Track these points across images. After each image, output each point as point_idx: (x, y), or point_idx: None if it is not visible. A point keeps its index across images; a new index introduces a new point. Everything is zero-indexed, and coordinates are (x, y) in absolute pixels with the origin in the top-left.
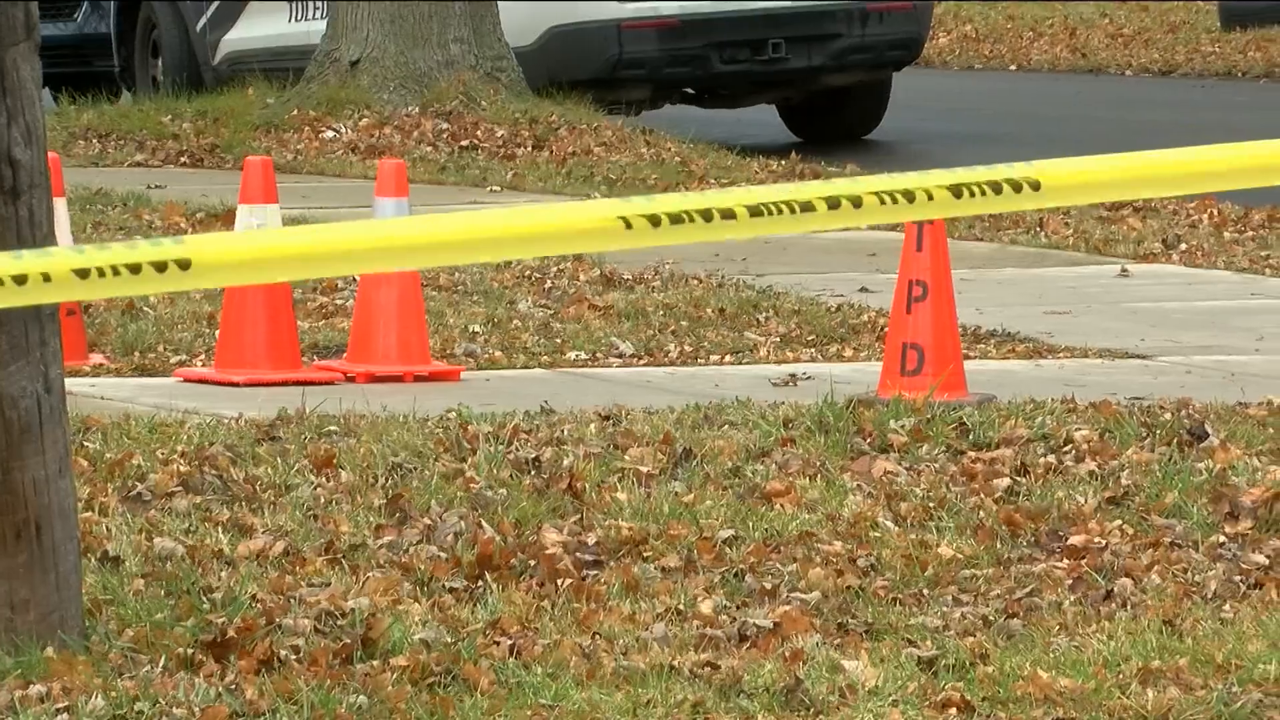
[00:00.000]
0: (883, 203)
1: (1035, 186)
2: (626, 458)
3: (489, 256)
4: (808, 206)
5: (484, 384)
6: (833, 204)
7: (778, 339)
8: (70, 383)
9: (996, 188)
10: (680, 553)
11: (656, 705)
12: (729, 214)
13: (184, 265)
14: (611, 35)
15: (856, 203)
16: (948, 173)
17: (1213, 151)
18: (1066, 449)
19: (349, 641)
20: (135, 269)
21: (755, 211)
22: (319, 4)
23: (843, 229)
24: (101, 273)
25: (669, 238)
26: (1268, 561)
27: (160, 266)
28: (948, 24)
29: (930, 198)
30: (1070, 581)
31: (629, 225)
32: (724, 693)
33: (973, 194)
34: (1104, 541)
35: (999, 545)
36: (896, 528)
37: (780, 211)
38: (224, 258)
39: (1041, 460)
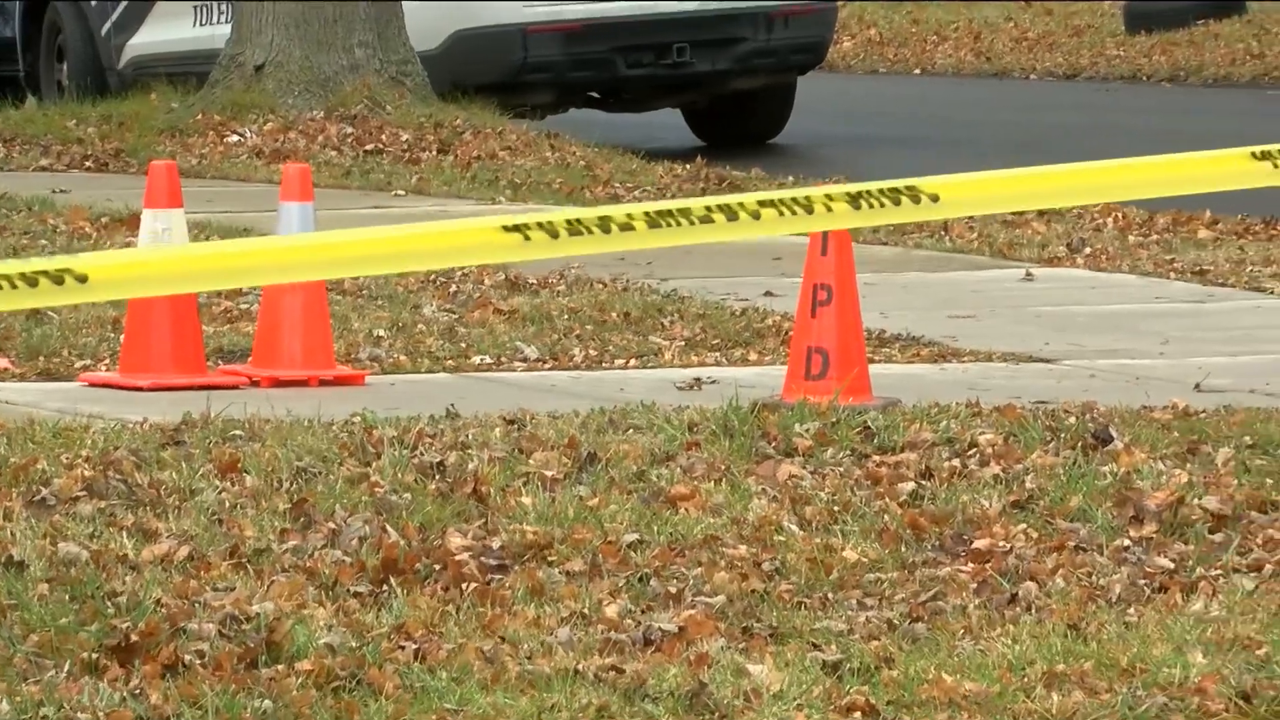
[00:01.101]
0: (781, 214)
1: (934, 198)
2: (531, 462)
3: (386, 270)
4: (706, 218)
5: (389, 388)
6: (731, 216)
7: (683, 343)
8: None
9: (895, 199)
10: (585, 557)
11: (561, 709)
12: (627, 226)
13: (81, 279)
14: (516, 39)
15: (755, 215)
16: (848, 186)
17: (1108, 165)
18: (971, 453)
19: (253, 646)
20: (32, 282)
21: (654, 223)
22: (224, 8)
23: None
24: None
25: (567, 249)
26: (1172, 565)
27: (58, 279)
28: (852, 28)
29: (829, 209)
30: (975, 585)
31: (527, 238)
32: (629, 697)
33: (871, 205)
34: (1009, 545)
35: (904, 549)
36: (801, 531)
37: (679, 223)
38: (119, 273)
39: (946, 464)
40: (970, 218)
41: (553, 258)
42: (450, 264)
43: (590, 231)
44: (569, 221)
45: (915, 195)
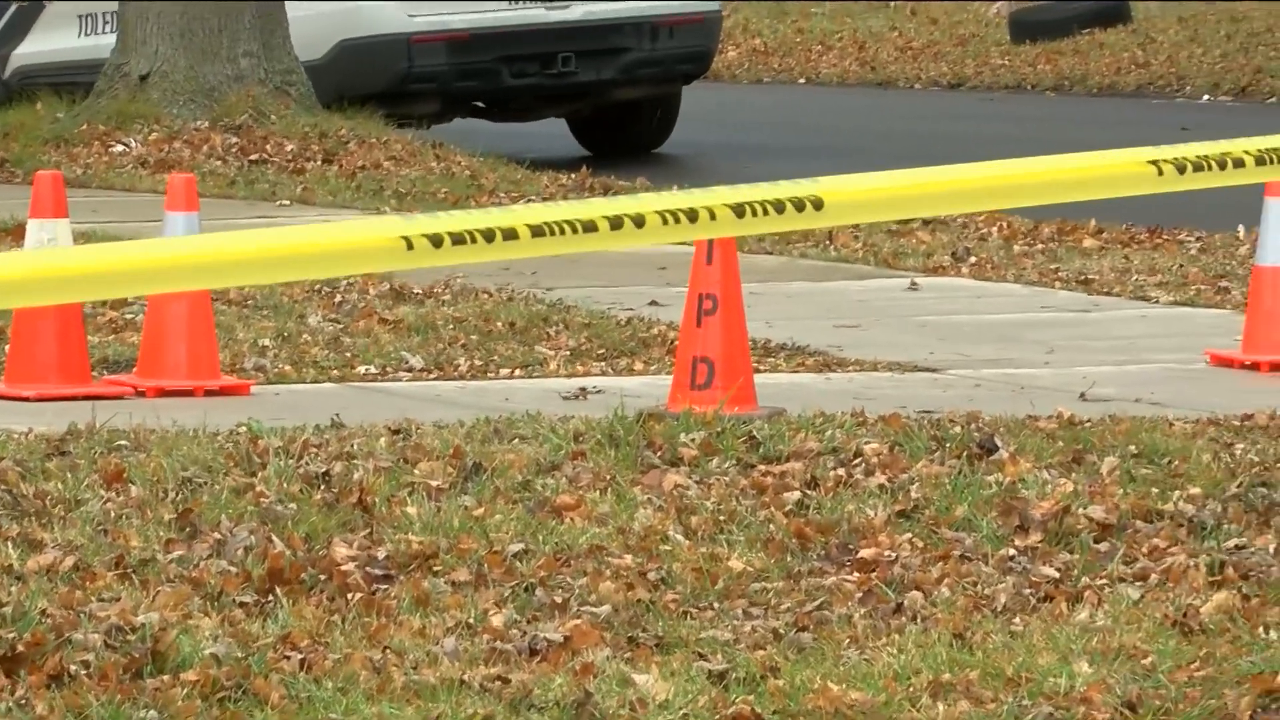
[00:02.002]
0: (665, 222)
1: (818, 205)
2: (416, 472)
3: (272, 278)
4: (590, 226)
5: (274, 398)
6: (615, 224)
7: (568, 353)
8: None
9: (779, 207)
10: (470, 566)
11: (446, 719)
12: (511, 234)
13: None
14: (401, 49)
15: (639, 222)
16: (731, 190)
17: (995, 167)
18: (856, 462)
19: (139, 656)
20: None
21: (538, 231)
22: (109, 18)
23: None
24: None
25: (451, 258)
26: (1058, 574)
27: None
28: (737, 38)
29: (713, 217)
30: (860, 594)
31: (410, 245)
32: (514, 706)
33: (755, 213)
34: (894, 554)
35: (789, 558)
36: (687, 541)
37: (564, 231)
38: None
39: (831, 473)
40: (855, 227)
41: (440, 266)
42: (333, 273)
43: (474, 240)
44: (453, 230)
45: (800, 202)
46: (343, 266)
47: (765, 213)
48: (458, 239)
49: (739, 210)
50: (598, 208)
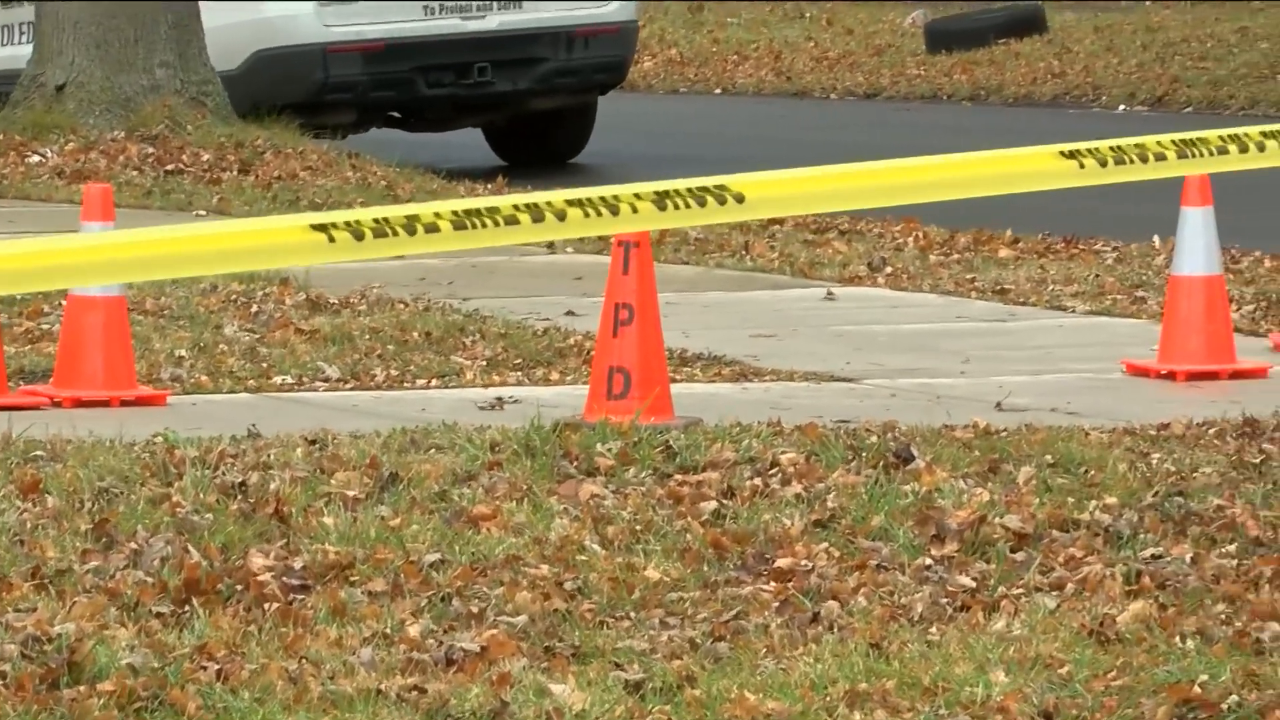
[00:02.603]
0: (587, 214)
1: (739, 199)
2: (333, 482)
3: (189, 271)
4: (511, 219)
5: (190, 408)
6: (537, 216)
7: (484, 363)
8: None
9: (700, 199)
10: (387, 577)
11: None
12: (433, 227)
13: None
14: (317, 59)
15: (560, 215)
16: (652, 184)
17: (909, 164)
18: (773, 472)
19: (55, 667)
20: None
21: (459, 224)
22: (25, 28)
23: (549, 252)
24: None
25: (372, 251)
26: (974, 584)
27: None
28: (653, 48)
29: (635, 209)
30: (777, 604)
31: (332, 239)
32: (431, 716)
33: (677, 205)
34: (810, 564)
35: (706, 568)
36: (603, 551)
37: (484, 224)
38: None
39: (748, 483)
40: (771, 236)
41: (359, 259)
42: (254, 266)
43: (396, 233)
44: (375, 221)
45: (721, 195)
46: (268, 260)
47: (686, 205)
48: (379, 232)
49: (660, 203)
50: (518, 199)
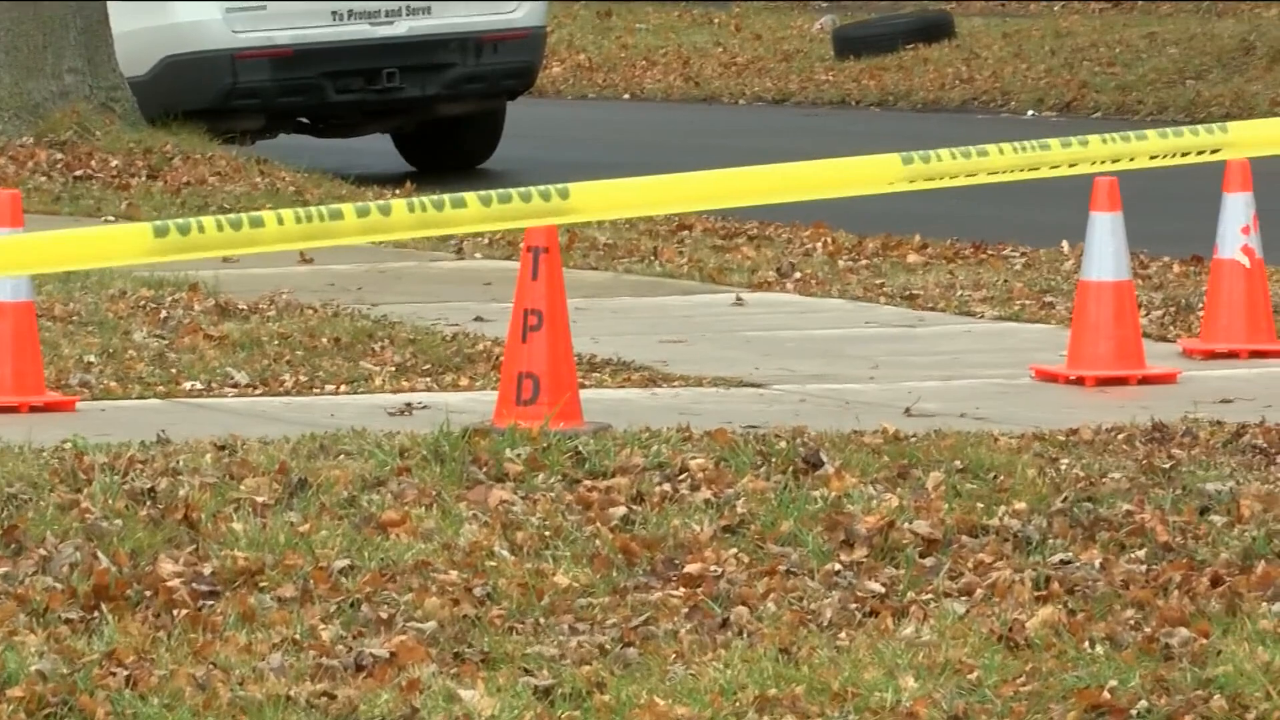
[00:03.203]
0: (411, 210)
1: (564, 195)
2: (242, 488)
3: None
4: (336, 214)
5: (99, 414)
6: (362, 211)
7: (393, 368)
8: None
9: (525, 196)
10: (296, 582)
11: None
12: (258, 221)
13: None
14: (225, 65)
15: (385, 210)
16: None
17: (744, 171)
18: (682, 477)
19: None
20: None
21: (281, 219)
22: None
23: (458, 258)
24: None
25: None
26: (883, 589)
27: None
28: (561, 53)
29: (463, 204)
30: (686, 609)
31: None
32: None
33: (502, 200)
34: (720, 569)
35: (615, 574)
36: (512, 556)
37: (311, 219)
38: None
39: (657, 488)
40: (680, 242)
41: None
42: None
43: (221, 229)
44: (204, 222)
45: (546, 193)
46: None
47: (509, 200)
48: (202, 228)
49: (485, 199)
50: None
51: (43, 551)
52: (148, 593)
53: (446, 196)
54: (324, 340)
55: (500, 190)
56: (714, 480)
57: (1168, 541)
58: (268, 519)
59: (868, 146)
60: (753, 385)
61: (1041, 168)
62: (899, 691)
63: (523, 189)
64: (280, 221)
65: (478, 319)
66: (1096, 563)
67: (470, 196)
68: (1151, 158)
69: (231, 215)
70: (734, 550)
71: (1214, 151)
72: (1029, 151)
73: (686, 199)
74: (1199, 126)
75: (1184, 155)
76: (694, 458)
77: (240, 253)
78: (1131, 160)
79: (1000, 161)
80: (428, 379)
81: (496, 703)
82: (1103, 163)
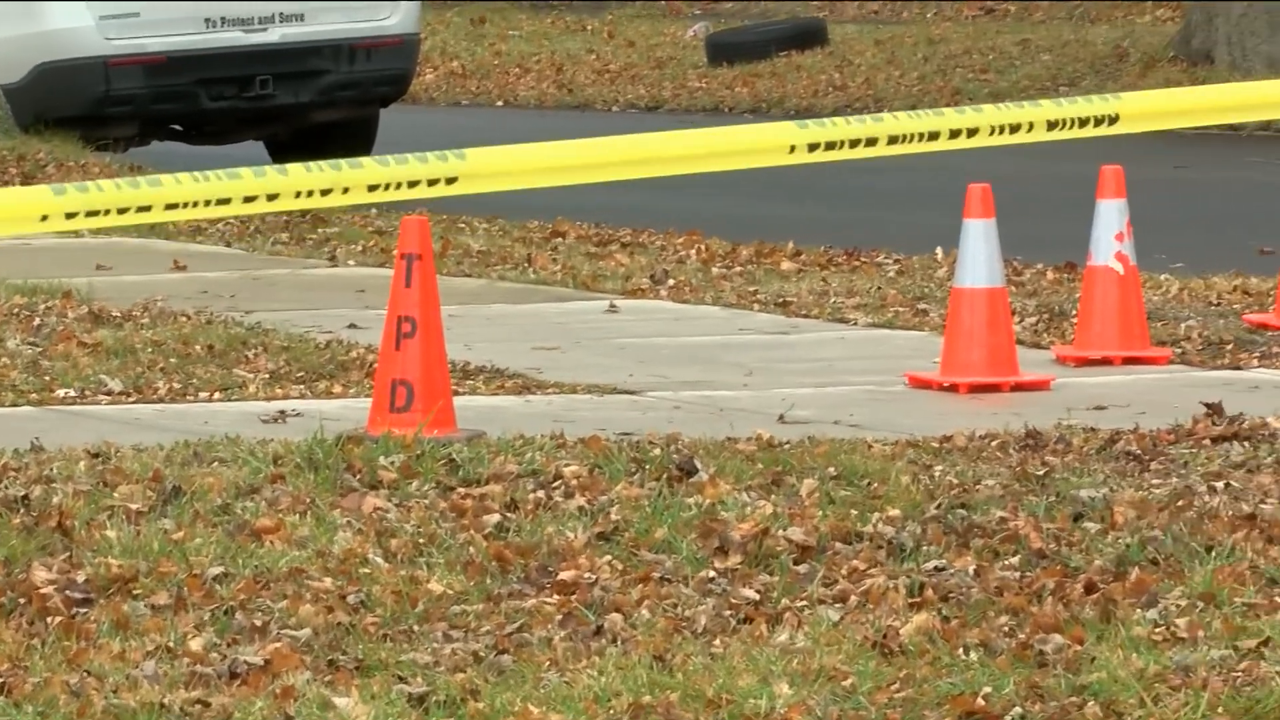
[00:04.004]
0: (309, 171)
1: (460, 157)
2: (116, 495)
3: None
4: (234, 174)
5: None
6: (259, 173)
7: (267, 376)
8: None
9: (422, 158)
10: (170, 590)
11: None
12: (145, 208)
13: None
14: (99, 72)
15: (283, 171)
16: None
17: (621, 140)
18: (556, 484)
19: None
20: None
21: (172, 205)
22: None
23: (331, 265)
24: None
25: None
26: (757, 596)
27: None
28: (435, 60)
29: (346, 191)
30: (560, 617)
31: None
32: None
33: (388, 188)
34: (594, 576)
35: (489, 581)
36: (387, 564)
37: (209, 179)
38: None
39: (531, 496)
40: (554, 249)
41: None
42: None
43: (109, 213)
44: (92, 209)
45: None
46: None
47: (398, 187)
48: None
49: (383, 160)
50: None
51: None
52: (21, 600)
53: (343, 160)
54: (198, 347)
55: (397, 154)
56: (588, 487)
57: (1042, 548)
58: (141, 526)
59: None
60: (627, 392)
61: (941, 134)
62: (773, 698)
63: (420, 153)
64: (178, 182)
65: (352, 326)
66: (970, 569)
67: (366, 159)
68: (1050, 127)
69: (129, 177)
70: (608, 557)
71: (1111, 122)
72: (926, 117)
73: (583, 165)
74: (1093, 96)
75: (1081, 125)
76: (568, 465)
77: (138, 220)
78: (1030, 129)
79: (897, 126)
80: (302, 386)
81: (371, 710)
82: (1000, 130)
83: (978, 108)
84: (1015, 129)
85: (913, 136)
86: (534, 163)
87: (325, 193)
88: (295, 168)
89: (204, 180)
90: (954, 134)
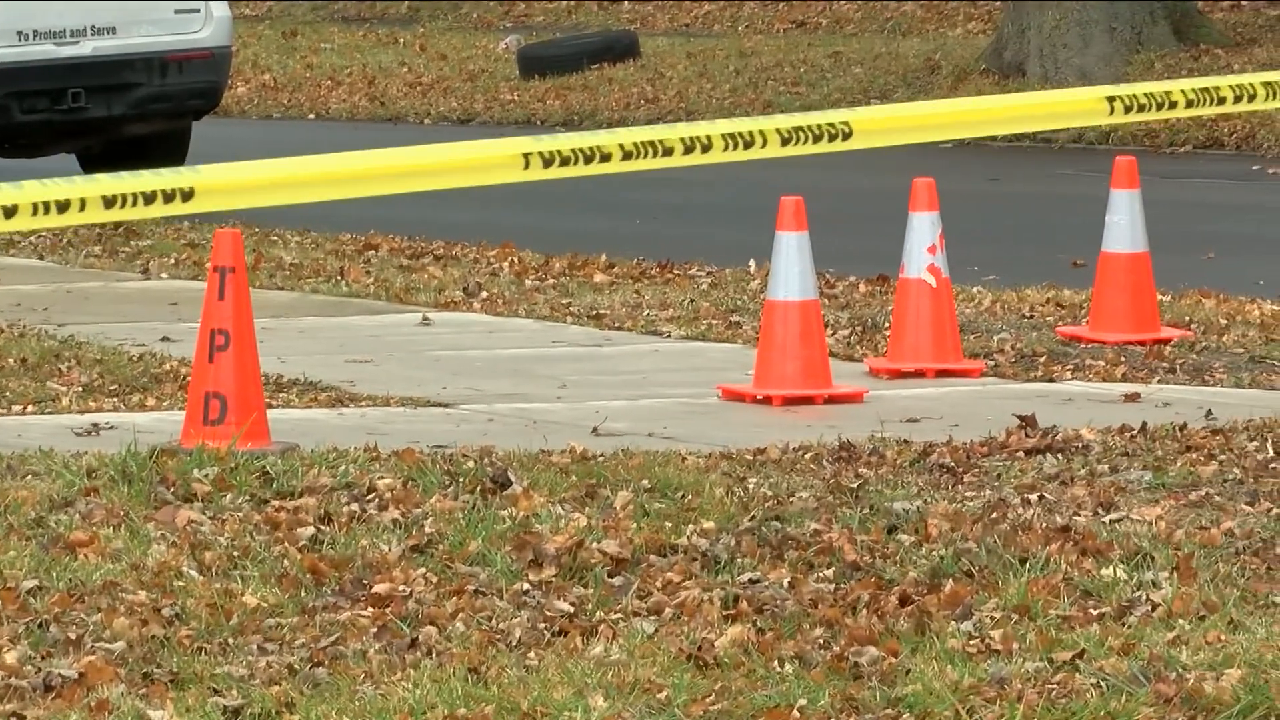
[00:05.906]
0: (36, 212)
1: (188, 196)
2: None
3: None
4: (66, 206)
5: None
6: (62, 207)
7: (80, 389)
8: None
9: (150, 198)
10: None
11: None
12: (12, 211)
13: None
14: None
15: (63, 207)
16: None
17: (341, 158)
18: (370, 497)
19: None
20: None
21: (10, 213)
22: None
23: (144, 278)
24: None
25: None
26: (572, 609)
27: None
28: (246, 73)
29: (82, 207)
30: (375, 629)
31: None
32: None
33: (123, 204)
34: (409, 589)
35: (303, 593)
36: (201, 577)
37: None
38: None
39: (345, 508)
40: (367, 262)
41: None
42: None
43: None
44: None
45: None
46: None
47: (134, 203)
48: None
49: (109, 201)
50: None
51: None
52: None
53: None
54: (10, 360)
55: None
56: (402, 500)
57: (856, 560)
58: None
59: None
60: (440, 405)
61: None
62: (588, 711)
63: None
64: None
65: (165, 339)
66: (785, 582)
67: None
68: (784, 142)
69: None
70: (422, 570)
71: (845, 137)
72: (657, 130)
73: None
74: (828, 111)
75: (815, 140)
76: (382, 478)
77: None
78: (764, 144)
79: (630, 137)
80: (115, 399)
81: None
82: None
83: (711, 121)
84: (750, 144)
85: (646, 151)
86: (265, 179)
87: (63, 208)
88: (31, 183)
89: None
90: (688, 149)
